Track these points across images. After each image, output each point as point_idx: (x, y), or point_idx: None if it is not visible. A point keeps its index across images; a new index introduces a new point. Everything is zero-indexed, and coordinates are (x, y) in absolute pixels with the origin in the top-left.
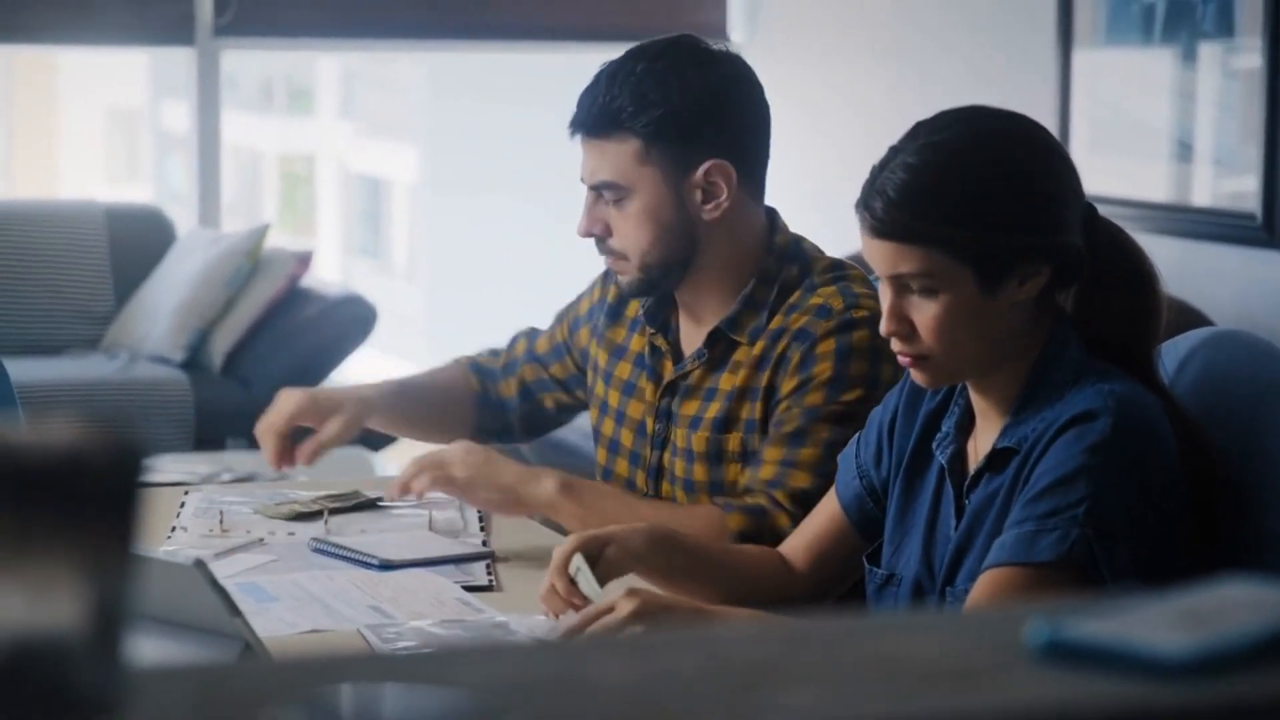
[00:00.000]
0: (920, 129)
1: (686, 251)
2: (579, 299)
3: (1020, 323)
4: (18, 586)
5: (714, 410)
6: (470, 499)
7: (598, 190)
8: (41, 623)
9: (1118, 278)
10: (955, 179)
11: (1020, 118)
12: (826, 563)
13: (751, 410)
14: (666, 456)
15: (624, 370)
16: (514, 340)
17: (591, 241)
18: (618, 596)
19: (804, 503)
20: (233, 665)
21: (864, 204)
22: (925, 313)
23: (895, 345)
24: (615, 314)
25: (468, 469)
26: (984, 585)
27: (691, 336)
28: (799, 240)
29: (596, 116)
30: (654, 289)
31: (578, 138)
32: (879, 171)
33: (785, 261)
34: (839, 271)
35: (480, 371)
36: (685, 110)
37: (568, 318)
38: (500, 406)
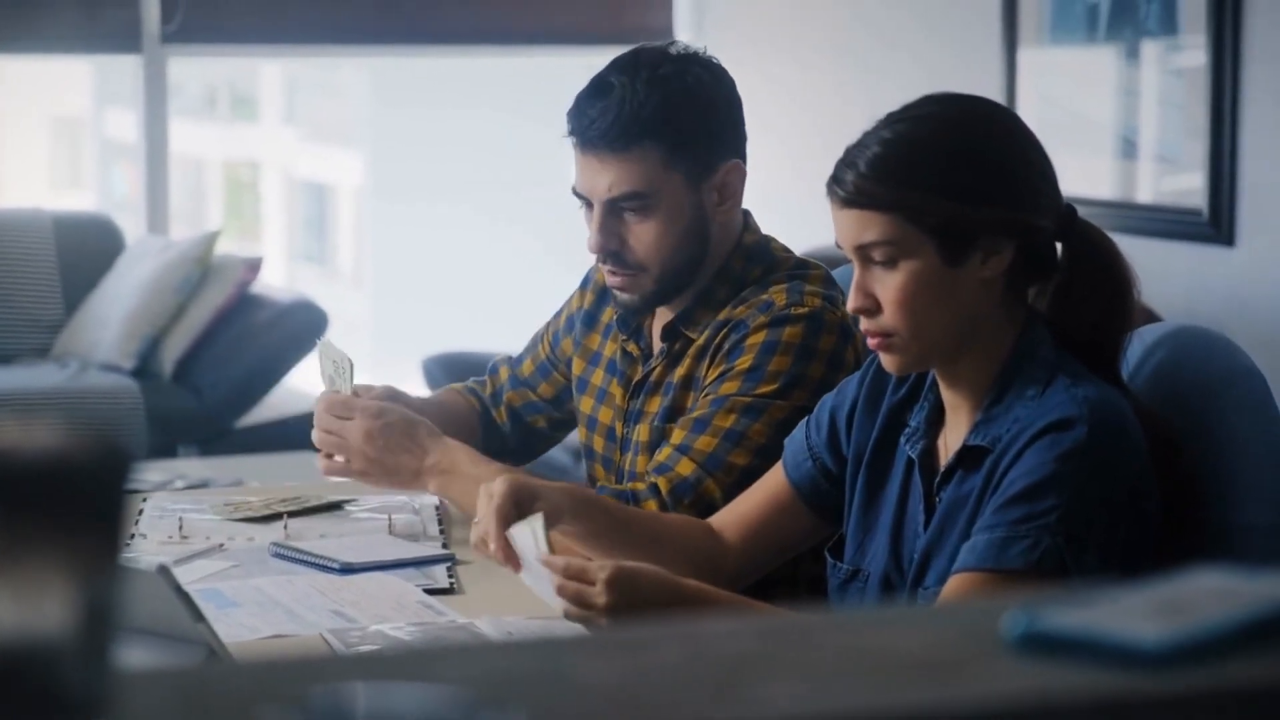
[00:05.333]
0: (895, 111)
1: (701, 255)
2: (558, 314)
3: (988, 309)
4: (5, 590)
5: (665, 403)
6: (366, 483)
7: (615, 204)
8: (29, 626)
9: (1095, 279)
10: (923, 150)
11: (995, 103)
12: (760, 540)
13: (695, 400)
14: (629, 457)
15: (597, 377)
16: (494, 368)
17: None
18: (596, 569)
19: (679, 492)
20: (220, 667)
21: (834, 178)
22: (888, 285)
23: (863, 325)
24: (591, 321)
25: (364, 463)
26: (953, 589)
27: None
28: (768, 241)
29: (622, 129)
30: (666, 299)
31: (578, 152)
32: (851, 149)
33: (749, 261)
34: (799, 271)
35: (476, 395)
36: (707, 114)
37: (548, 334)
38: (497, 430)
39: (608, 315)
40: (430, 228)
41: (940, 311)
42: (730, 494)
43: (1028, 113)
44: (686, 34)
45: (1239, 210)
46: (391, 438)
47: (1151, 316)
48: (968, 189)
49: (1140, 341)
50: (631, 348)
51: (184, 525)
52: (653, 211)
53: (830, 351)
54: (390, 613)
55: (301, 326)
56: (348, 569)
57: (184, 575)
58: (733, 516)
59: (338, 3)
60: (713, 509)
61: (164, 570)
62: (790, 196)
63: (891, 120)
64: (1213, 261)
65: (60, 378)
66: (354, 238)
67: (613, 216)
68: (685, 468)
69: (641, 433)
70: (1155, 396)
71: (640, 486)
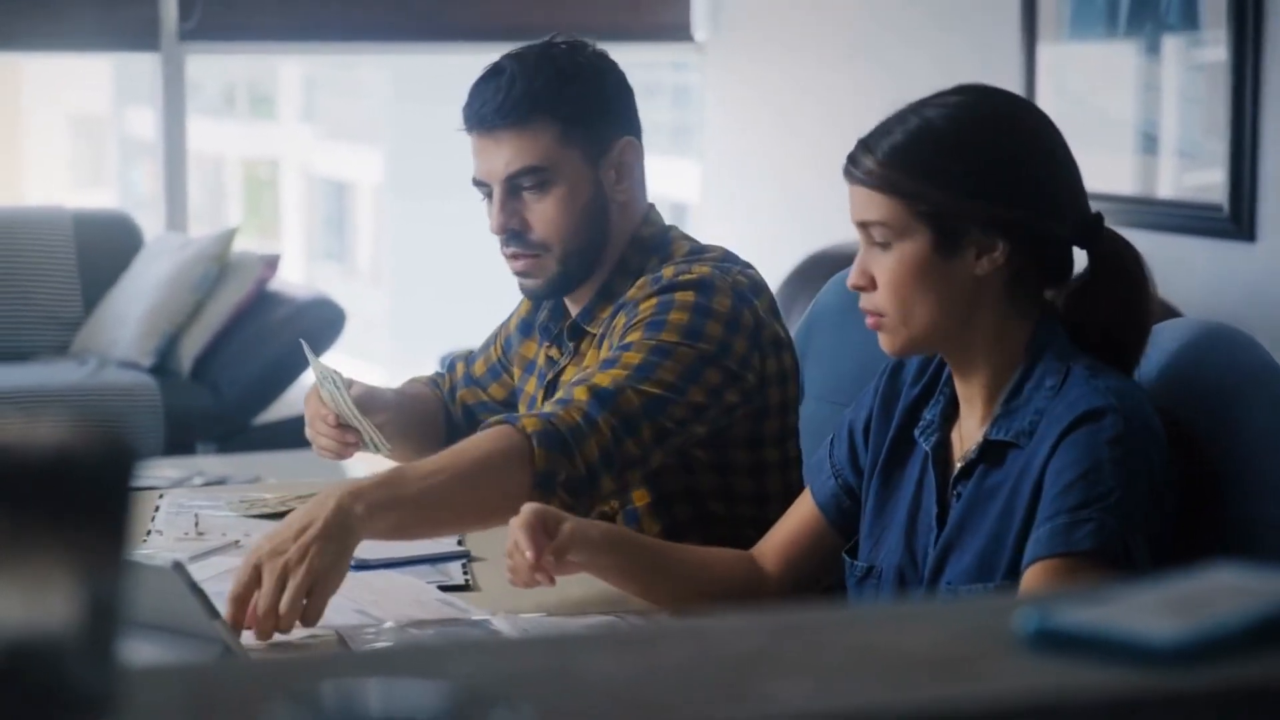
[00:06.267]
0: (927, 96)
1: (602, 236)
2: (510, 316)
3: (988, 305)
4: (11, 586)
5: None
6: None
7: (514, 181)
8: (35, 623)
9: (1118, 290)
10: (935, 139)
11: (1026, 104)
12: (799, 565)
13: None
14: None
15: (530, 385)
16: (451, 364)
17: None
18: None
19: (600, 397)
20: (225, 664)
21: (850, 154)
22: (883, 265)
23: (860, 302)
24: (526, 329)
25: (307, 571)
26: (1029, 581)
27: None
28: (667, 231)
29: (514, 103)
30: (570, 283)
31: (475, 138)
32: (874, 130)
33: (644, 253)
34: (693, 255)
35: (438, 388)
36: (599, 90)
37: (500, 336)
38: (454, 425)
39: (541, 322)
40: (449, 224)
41: (927, 298)
42: (648, 410)
43: (1047, 109)
44: (704, 31)
45: (1260, 205)
46: (292, 538)
47: (1171, 312)
48: (962, 181)
49: (1161, 338)
50: (554, 353)
51: (200, 522)
52: (551, 187)
53: (726, 312)
54: (406, 610)
55: (320, 324)
56: (362, 565)
57: (199, 572)
58: (770, 544)
59: (356, 0)
60: (631, 422)
61: (179, 567)
62: (808, 192)
63: (917, 106)
64: (1233, 257)
65: (79, 375)
66: (372, 235)
67: (513, 196)
68: (603, 380)
69: None
70: (1175, 393)
71: (554, 406)
